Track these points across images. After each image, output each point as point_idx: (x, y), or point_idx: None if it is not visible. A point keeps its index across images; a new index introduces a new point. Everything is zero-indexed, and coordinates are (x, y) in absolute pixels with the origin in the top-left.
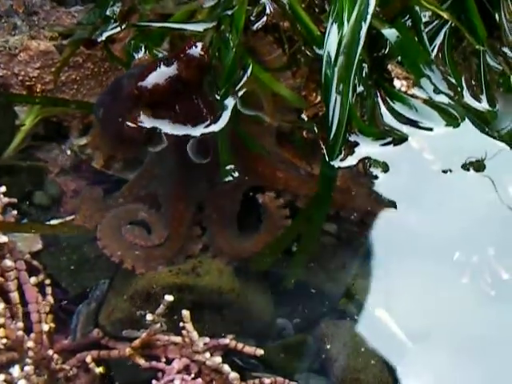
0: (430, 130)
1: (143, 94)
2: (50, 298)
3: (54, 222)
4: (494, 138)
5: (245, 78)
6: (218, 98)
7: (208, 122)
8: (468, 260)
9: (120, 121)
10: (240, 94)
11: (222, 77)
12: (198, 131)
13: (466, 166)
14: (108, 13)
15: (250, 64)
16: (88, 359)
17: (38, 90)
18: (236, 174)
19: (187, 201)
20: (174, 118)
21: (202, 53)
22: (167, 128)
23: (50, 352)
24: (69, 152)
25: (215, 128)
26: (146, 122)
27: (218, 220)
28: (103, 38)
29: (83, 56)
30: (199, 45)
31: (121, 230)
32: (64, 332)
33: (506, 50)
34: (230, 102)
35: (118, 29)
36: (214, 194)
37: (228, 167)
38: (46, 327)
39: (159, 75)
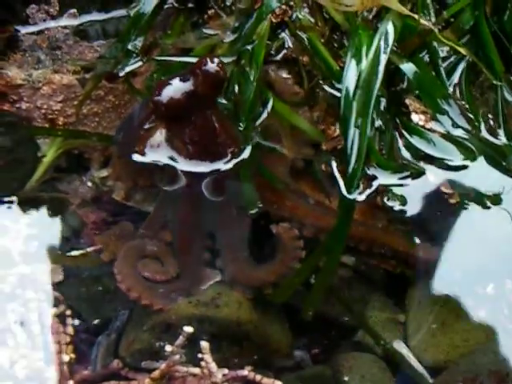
0: (448, 164)
1: (158, 108)
2: (71, 329)
3: (74, 253)
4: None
5: (265, 112)
6: (241, 130)
7: (230, 154)
8: (485, 293)
9: (134, 148)
10: (260, 127)
11: (244, 110)
12: (215, 166)
13: (483, 200)
14: (130, 47)
15: (270, 98)
16: None
17: (60, 123)
18: (261, 205)
19: (194, 228)
20: (190, 138)
21: (218, 68)
22: (183, 164)
23: (71, 383)
24: (90, 184)
25: (239, 159)
26: (159, 152)
27: (229, 246)
28: (125, 72)
29: (105, 89)
30: (215, 60)
31: (136, 265)
32: (84, 363)
33: None
34: (252, 135)
35: (140, 63)
36: (222, 220)
37: (253, 198)
38: (66, 358)
39: (175, 90)
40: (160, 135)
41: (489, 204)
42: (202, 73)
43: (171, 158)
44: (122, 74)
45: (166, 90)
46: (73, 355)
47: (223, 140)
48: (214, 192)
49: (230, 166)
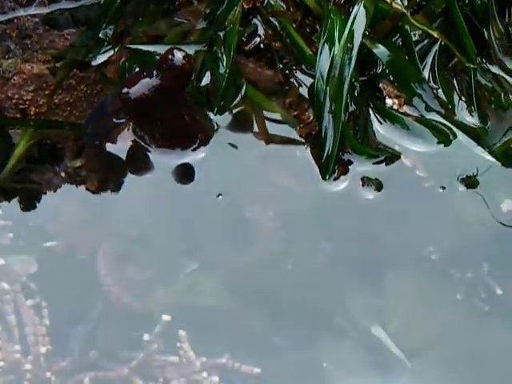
0: (423, 147)
1: (127, 104)
2: (47, 320)
3: (49, 243)
4: (486, 154)
5: (238, 98)
6: (212, 116)
7: (197, 141)
8: (462, 276)
9: (105, 138)
10: (233, 113)
11: (216, 97)
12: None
13: (458, 183)
14: (101, 35)
15: (244, 84)
16: (86, 381)
17: (31, 113)
18: None
19: None
20: (160, 133)
21: (184, 61)
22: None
23: (48, 374)
24: (63, 174)
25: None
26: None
27: None
28: (97, 61)
29: (76, 78)
30: (180, 54)
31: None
32: (61, 354)
33: (495, 67)
34: (222, 122)
35: (111, 51)
36: None
37: None
38: (43, 349)
39: (142, 85)
40: (129, 130)
41: (464, 187)
42: (167, 67)
43: (142, 148)
44: (93, 62)
45: (133, 87)
46: (50, 347)
47: (192, 130)
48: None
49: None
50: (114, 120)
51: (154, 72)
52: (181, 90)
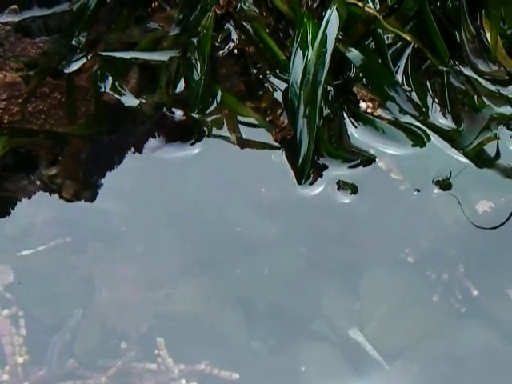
0: (397, 150)
1: None
2: (23, 330)
3: (24, 252)
4: (460, 155)
5: (214, 104)
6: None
7: None
8: (438, 278)
9: None
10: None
11: (193, 104)
12: None
13: (433, 185)
14: (74, 42)
15: (218, 90)
16: None
17: (5, 122)
18: None
19: None
20: None
21: None
22: None
23: None
24: (38, 182)
25: None
26: None
27: None
28: (70, 68)
29: (50, 86)
30: None
31: None
32: (39, 364)
33: (468, 69)
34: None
35: (84, 59)
36: None
37: None
38: (20, 360)
39: None
40: None
41: (439, 189)
42: None
43: None
44: (66, 70)
45: None
46: (27, 357)
47: None
48: None
49: None
50: None
51: None
52: None
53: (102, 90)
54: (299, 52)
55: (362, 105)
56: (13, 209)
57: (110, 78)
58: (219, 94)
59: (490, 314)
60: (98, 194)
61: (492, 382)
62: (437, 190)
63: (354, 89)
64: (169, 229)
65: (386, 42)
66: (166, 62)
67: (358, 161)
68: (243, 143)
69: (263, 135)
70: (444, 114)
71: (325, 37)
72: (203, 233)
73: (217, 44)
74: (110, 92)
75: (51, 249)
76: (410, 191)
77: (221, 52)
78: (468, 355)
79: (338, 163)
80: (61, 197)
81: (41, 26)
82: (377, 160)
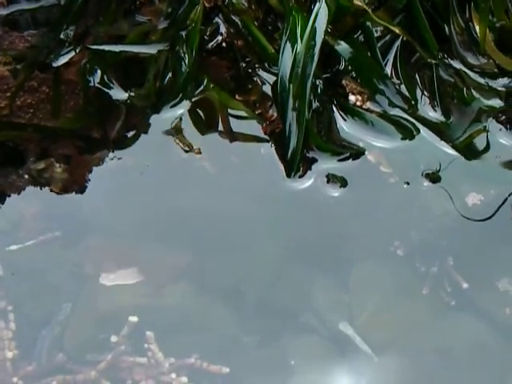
0: (387, 143)
1: None
2: (13, 325)
3: (13, 247)
4: (449, 148)
5: (202, 97)
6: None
7: None
8: (428, 270)
9: None
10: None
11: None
12: None
13: (422, 178)
14: (62, 36)
15: (206, 83)
16: None
17: None
18: None
19: None
20: None
21: None
22: None
23: (15, 379)
24: (26, 176)
25: None
26: None
27: None
28: (58, 62)
29: (38, 80)
30: None
31: None
32: (28, 358)
33: (457, 62)
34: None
35: (73, 52)
36: None
37: None
38: (9, 354)
39: None
40: None
41: (428, 182)
42: None
43: None
44: (54, 64)
45: None
46: (16, 351)
47: None
48: None
49: None
50: None
51: None
52: None
53: (91, 83)
54: (288, 45)
55: (351, 98)
56: (1, 203)
57: (99, 72)
58: (208, 86)
59: (479, 307)
60: (87, 188)
61: (482, 374)
62: (426, 183)
63: (343, 82)
64: (158, 222)
65: (375, 35)
66: (155, 56)
67: (348, 154)
68: (232, 136)
69: (252, 128)
70: (433, 107)
71: (314, 30)
72: (191, 226)
73: (205, 37)
74: (99, 85)
75: (40, 243)
76: (400, 184)
77: (210, 45)
78: (458, 348)
79: (327, 156)
80: (50, 191)
81: (29, 20)
82: (366, 153)
